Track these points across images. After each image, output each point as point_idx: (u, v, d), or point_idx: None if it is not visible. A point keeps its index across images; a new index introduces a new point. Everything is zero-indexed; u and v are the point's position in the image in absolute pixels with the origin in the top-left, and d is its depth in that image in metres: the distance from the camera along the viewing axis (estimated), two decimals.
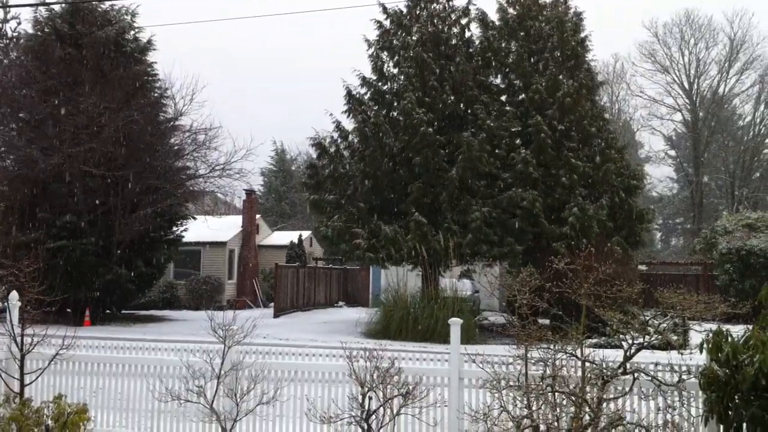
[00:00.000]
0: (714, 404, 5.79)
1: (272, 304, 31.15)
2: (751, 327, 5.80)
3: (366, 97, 26.30)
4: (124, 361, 8.98)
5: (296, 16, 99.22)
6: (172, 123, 28.45)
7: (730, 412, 5.71)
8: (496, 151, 24.26)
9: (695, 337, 6.63)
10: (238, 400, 7.66)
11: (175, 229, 29.83)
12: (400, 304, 22.35)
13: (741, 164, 57.43)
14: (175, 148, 28.53)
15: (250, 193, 37.72)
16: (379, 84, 26.48)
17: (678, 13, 67.52)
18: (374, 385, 7.17)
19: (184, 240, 30.71)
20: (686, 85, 59.43)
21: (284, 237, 41.51)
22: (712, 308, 6.85)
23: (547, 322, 7.53)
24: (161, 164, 27.02)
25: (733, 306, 7.37)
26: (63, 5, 27.03)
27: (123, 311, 28.98)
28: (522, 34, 26.48)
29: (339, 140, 26.29)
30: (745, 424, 5.55)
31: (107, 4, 27.53)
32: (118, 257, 26.35)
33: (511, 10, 27.11)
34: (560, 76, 25.03)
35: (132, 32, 27.99)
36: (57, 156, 24.11)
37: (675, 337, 7.18)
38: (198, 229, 32.06)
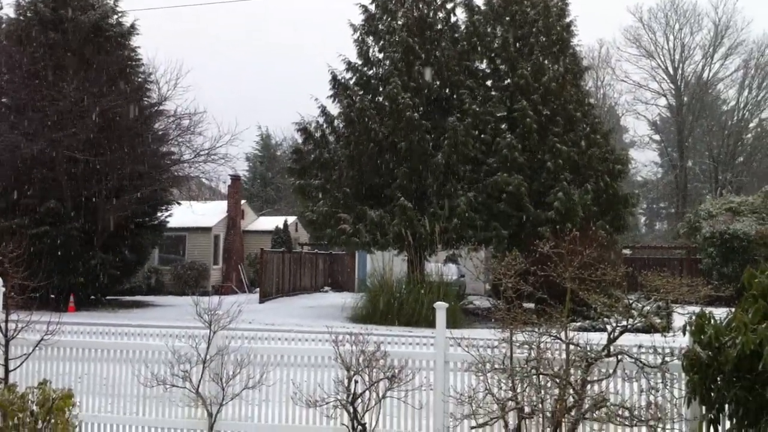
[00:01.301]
0: (697, 386, 5.84)
1: (258, 289, 31.14)
2: (733, 309, 5.84)
3: (351, 82, 26.25)
4: (109, 347, 8.93)
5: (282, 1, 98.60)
6: (156, 108, 28.33)
7: (712, 394, 5.76)
8: (482, 136, 24.28)
9: (678, 319, 6.69)
10: (224, 384, 7.66)
11: (159, 214, 29.76)
12: (386, 289, 22.39)
13: (725, 149, 57.75)
14: (160, 133, 28.42)
15: (235, 178, 37.62)
16: (365, 69, 26.43)
17: None
18: (360, 368, 7.20)
19: (169, 226, 30.64)
20: (671, 70, 59.66)
21: (270, 222, 41.41)
22: (695, 291, 6.88)
23: (532, 305, 7.55)
24: (145, 149, 26.87)
25: (716, 289, 7.41)
26: None
27: (107, 297, 28.86)
28: (507, 18, 26.45)
29: (325, 125, 26.26)
30: (727, 405, 5.61)
31: None
32: (102, 243, 26.25)
33: None
34: (545, 61, 25.09)
35: (115, 17, 27.74)
36: (40, 141, 23.92)
37: (658, 320, 7.22)
38: (183, 214, 31.98)
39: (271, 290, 30.61)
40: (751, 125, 59.07)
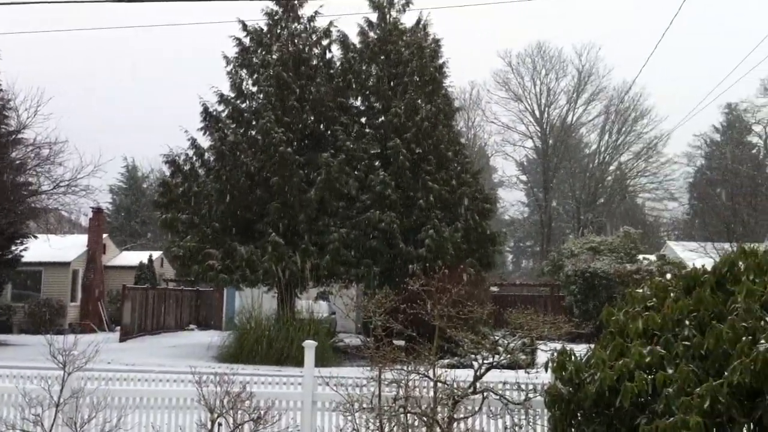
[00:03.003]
0: (558, 422, 5.93)
1: (119, 327, 29.88)
2: (593, 346, 6.00)
3: (224, 115, 25.81)
4: None
5: (152, 29, 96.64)
6: (14, 136, 26.87)
7: (573, 429, 5.87)
8: (356, 172, 24.41)
9: (542, 356, 6.82)
10: (78, 429, 7.23)
11: (14, 248, 28.06)
12: (255, 327, 21.94)
13: (587, 190, 60.65)
14: (17, 162, 26.94)
15: (97, 211, 35.97)
16: (238, 102, 26.07)
17: (531, 45, 70.70)
18: (224, 410, 6.94)
19: (24, 260, 28.89)
20: (537, 114, 62.39)
21: (134, 257, 39.94)
22: (557, 328, 7.07)
23: (402, 343, 7.54)
24: (1, 179, 25.39)
25: (578, 326, 7.65)
26: None
27: None
28: (382, 57, 26.83)
29: (194, 158, 25.64)
30: None
31: None
32: None
33: (371, 34, 27.43)
34: (419, 101, 25.56)
35: None
36: None
37: (523, 357, 7.38)
38: (39, 248, 30.23)
39: (132, 328, 29.42)
40: (611, 168, 62.44)
